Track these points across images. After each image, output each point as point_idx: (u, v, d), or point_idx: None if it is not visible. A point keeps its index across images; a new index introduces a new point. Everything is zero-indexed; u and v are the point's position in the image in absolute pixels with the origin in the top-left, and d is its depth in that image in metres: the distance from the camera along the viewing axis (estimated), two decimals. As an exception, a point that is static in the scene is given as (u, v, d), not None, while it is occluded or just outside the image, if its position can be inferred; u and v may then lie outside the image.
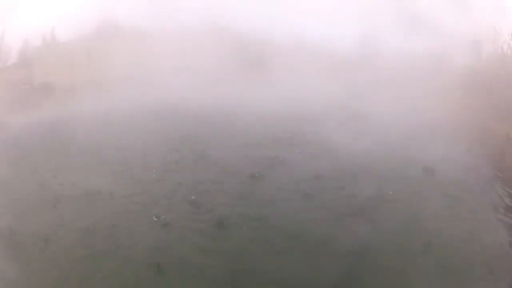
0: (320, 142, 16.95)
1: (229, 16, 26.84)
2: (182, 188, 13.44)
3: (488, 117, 18.23)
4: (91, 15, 27.16)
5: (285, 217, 11.43)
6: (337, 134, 17.24)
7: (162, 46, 25.73)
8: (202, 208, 12.24)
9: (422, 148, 15.78)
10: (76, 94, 23.38)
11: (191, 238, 10.83)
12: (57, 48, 27.76)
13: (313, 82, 24.68)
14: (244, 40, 26.96)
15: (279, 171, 14.46)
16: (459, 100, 20.31)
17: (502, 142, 16.53)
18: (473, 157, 15.22)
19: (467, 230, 10.32)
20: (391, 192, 12.57)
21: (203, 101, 22.12)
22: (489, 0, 25.99)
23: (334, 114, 20.24)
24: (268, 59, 26.03)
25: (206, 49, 26.59)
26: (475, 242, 9.95)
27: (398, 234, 10.41)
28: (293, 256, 9.92)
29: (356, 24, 26.79)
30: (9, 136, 19.08)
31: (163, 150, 16.63)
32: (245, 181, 13.85)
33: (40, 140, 18.34)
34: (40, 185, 13.82)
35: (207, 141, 17.48)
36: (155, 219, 11.63)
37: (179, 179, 13.97)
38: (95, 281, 9.35)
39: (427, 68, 22.97)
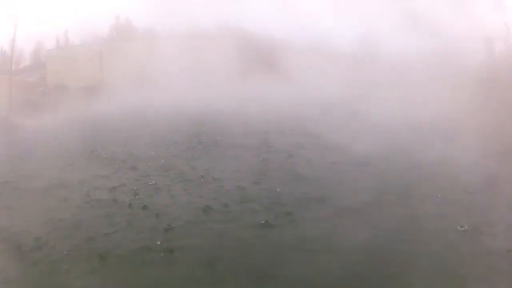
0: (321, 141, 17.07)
1: (238, 16, 27.02)
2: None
3: (504, 117, 18.08)
4: (104, 17, 27.51)
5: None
6: (339, 134, 17.25)
7: (175, 47, 25.89)
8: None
9: (435, 150, 15.68)
10: (90, 95, 23.69)
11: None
12: (70, 50, 28.16)
13: (318, 81, 24.82)
14: (254, 41, 27.09)
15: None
16: (472, 100, 20.19)
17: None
18: (485, 158, 15.08)
19: (468, 230, 10.22)
20: (393, 193, 12.43)
21: (211, 101, 22.31)
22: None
23: (338, 113, 20.30)
24: (275, 60, 26.16)
25: (215, 49, 26.77)
26: (476, 242, 9.86)
27: (398, 234, 10.32)
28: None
29: (360, 23, 26.83)
30: (26, 137, 19.38)
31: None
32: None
33: (55, 141, 18.54)
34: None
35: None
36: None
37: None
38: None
39: (439, 68, 22.88)
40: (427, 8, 26.09)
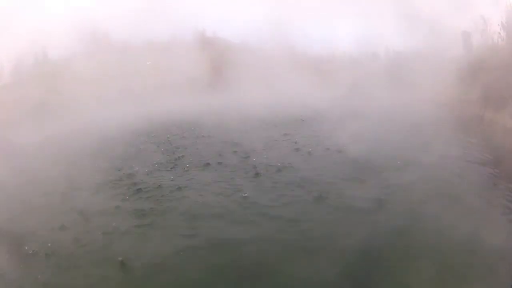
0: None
1: (220, 25, 27.06)
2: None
3: (484, 109, 18.33)
4: (82, 31, 27.25)
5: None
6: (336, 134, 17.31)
7: (153, 58, 25.81)
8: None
9: (419, 144, 15.81)
10: (71, 110, 23.39)
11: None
12: (49, 66, 27.76)
13: (312, 85, 24.96)
14: (239, 49, 27.11)
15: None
16: (453, 94, 20.43)
17: (499, 133, 16.58)
18: (470, 151, 15.25)
19: (466, 229, 10.24)
20: (388, 192, 12.42)
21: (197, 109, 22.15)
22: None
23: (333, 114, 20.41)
24: (264, 67, 26.19)
25: (198, 59, 26.69)
26: (474, 242, 9.87)
27: (397, 235, 10.33)
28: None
29: (352, 25, 27.07)
30: (9, 155, 18.98)
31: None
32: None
33: (39, 157, 18.17)
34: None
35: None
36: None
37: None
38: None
39: (421, 63, 23.13)
40: (414, 6, 26.41)
